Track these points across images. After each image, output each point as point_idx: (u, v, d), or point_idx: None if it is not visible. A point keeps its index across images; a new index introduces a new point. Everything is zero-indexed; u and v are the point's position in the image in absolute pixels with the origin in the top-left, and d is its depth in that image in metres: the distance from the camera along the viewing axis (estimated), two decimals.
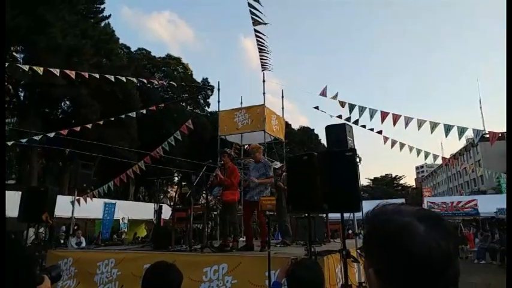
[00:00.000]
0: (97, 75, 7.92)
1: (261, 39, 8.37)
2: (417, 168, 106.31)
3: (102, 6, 28.18)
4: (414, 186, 74.39)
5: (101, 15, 28.47)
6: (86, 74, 7.64)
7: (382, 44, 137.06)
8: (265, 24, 7.92)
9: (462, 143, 54.91)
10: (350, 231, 8.70)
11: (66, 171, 27.27)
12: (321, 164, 4.17)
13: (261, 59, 9.80)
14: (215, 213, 6.68)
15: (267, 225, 5.00)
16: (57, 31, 20.45)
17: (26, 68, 7.00)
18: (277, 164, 6.94)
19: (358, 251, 4.82)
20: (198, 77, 38.75)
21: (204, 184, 6.16)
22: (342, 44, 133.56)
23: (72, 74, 7.41)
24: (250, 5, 6.77)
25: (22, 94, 26.46)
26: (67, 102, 28.02)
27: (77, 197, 12.37)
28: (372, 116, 10.08)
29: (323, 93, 9.64)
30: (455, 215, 18.83)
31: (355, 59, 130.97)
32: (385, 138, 10.83)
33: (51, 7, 20.51)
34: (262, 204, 4.50)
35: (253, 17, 7.34)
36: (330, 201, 3.95)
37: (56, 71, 7.19)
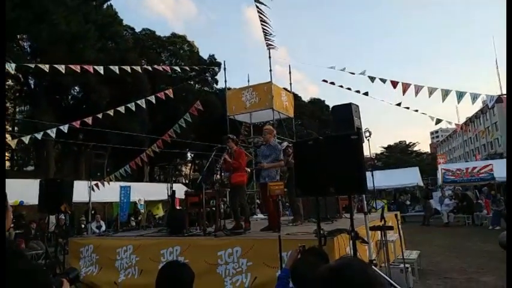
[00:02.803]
0: (101, 69, 7.89)
1: (263, 18, 8.15)
2: (432, 133, 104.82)
3: None
4: (429, 152, 73.58)
5: None
6: (91, 68, 7.62)
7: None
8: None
9: (478, 105, 53.69)
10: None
11: (82, 157, 27.95)
12: (327, 147, 4.15)
13: (265, 37, 9.60)
14: (228, 190, 6.79)
15: (276, 207, 5.08)
16: (60, 18, 20.31)
17: (31, 65, 7.00)
18: (284, 145, 6.94)
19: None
20: (204, 54, 38.34)
21: (214, 166, 6.25)
22: (352, 14, 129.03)
23: (77, 68, 7.41)
24: None
25: (32, 82, 26.77)
26: (76, 88, 28.23)
27: (94, 182, 12.80)
28: (383, 82, 9.94)
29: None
30: (471, 181, 18.64)
31: (361, 26, 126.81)
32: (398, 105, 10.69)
33: None
34: (271, 189, 4.54)
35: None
36: (337, 184, 3.96)
37: (62, 67, 7.20)
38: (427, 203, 17.27)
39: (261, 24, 8.57)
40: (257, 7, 7.24)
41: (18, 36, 24.01)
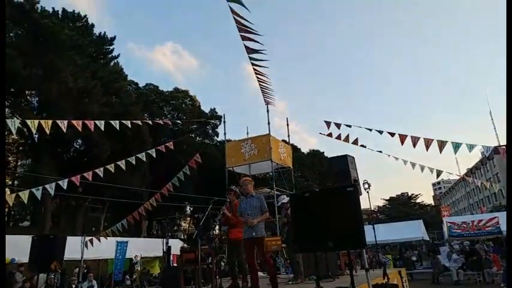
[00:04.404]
0: (102, 123, 8.04)
1: (260, 77, 8.48)
2: (434, 184, 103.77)
3: (111, 47, 29.31)
4: (433, 204, 72.36)
5: (110, 55, 29.54)
6: (92, 124, 7.77)
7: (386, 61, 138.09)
8: (265, 62, 8.04)
9: (478, 156, 53.83)
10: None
11: (79, 211, 27.50)
12: (323, 200, 4.08)
13: (263, 94, 9.92)
14: (224, 256, 6.53)
15: (273, 261, 4.86)
16: (68, 75, 21.20)
17: (35, 122, 7.14)
18: (285, 198, 6.82)
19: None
20: (205, 107, 39.44)
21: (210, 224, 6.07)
22: (348, 66, 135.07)
23: (79, 124, 7.57)
24: (247, 47, 6.85)
25: (36, 136, 27.18)
26: (79, 141, 28.59)
27: (89, 237, 12.42)
28: (380, 133, 10.07)
29: (327, 126, 9.62)
30: (478, 235, 18.10)
31: (358, 80, 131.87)
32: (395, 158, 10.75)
33: (61, 53, 21.34)
34: (267, 245, 4.37)
35: (252, 60, 7.43)
36: (335, 238, 3.84)
37: (64, 123, 7.35)
38: (435, 258, 16.61)
39: (259, 82, 8.88)
40: (253, 64, 7.54)
41: (27, 92, 24.87)
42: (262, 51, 7.15)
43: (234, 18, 5.97)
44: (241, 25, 6.13)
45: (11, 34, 21.99)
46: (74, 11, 26.53)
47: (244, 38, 6.60)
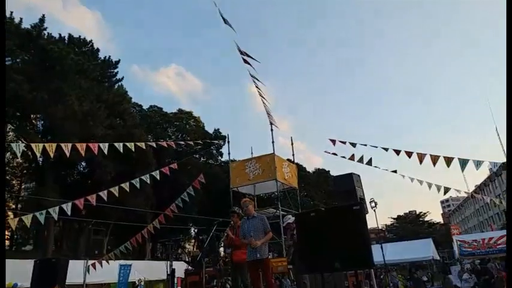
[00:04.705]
0: (106, 146, 8.05)
1: (264, 99, 8.54)
2: (442, 202, 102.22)
3: (115, 71, 29.85)
4: (442, 223, 71.09)
5: (115, 78, 30.05)
6: (96, 146, 7.79)
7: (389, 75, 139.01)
8: (263, 84, 8.12)
9: (486, 172, 53.14)
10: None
11: (82, 234, 27.26)
12: (329, 219, 3.99)
13: (267, 115, 9.97)
14: (229, 278, 6.34)
15: (279, 282, 4.71)
16: (74, 99, 21.45)
17: (39, 146, 7.15)
18: (291, 218, 6.69)
19: None
20: (209, 127, 39.50)
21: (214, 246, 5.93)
22: (351, 83, 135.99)
23: (83, 147, 7.59)
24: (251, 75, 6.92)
25: (41, 159, 27.29)
26: (83, 164, 28.64)
27: (92, 261, 12.23)
28: (385, 150, 10.00)
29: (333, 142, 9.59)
30: (489, 253, 17.64)
31: (362, 96, 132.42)
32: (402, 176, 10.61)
33: (67, 78, 21.70)
34: (273, 266, 4.25)
35: (255, 81, 7.52)
36: (342, 258, 3.72)
37: (68, 146, 7.37)
38: (446, 278, 16.16)
39: (263, 102, 8.94)
40: (256, 86, 7.60)
41: (32, 115, 25.15)
42: (258, 79, 7.24)
43: (238, 49, 6.07)
44: (240, 51, 6.22)
45: (18, 60, 22.46)
46: (80, 36, 27.20)
47: (245, 61, 6.68)
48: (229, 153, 13.34)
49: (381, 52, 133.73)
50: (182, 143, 19.99)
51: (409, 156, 9.58)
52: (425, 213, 60.18)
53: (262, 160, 11.77)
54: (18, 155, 8.20)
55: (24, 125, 24.64)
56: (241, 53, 6.22)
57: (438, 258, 21.28)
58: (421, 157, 9.36)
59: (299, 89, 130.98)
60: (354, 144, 11.00)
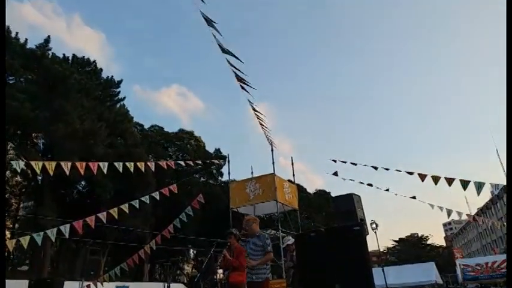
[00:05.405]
0: (105, 165, 8.03)
1: (262, 122, 8.59)
2: (445, 225, 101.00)
3: (117, 90, 30.19)
4: (444, 246, 69.96)
5: (117, 97, 30.33)
6: (95, 165, 7.77)
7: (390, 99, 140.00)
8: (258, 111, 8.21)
9: (488, 195, 52.68)
10: None
11: (79, 254, 26.81)
12: (329, 240, 3.92)
13: (266, 138, 10.00)
14: None
15: None
16: (75, 117, 21.59)
17: (39, 164, 7.13)
18: (290, 240, 6.58)
19: None
20: (210, 147, 39.52)
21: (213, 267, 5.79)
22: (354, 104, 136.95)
23: (82, 166, 7.57)
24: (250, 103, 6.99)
25: (40, 178, 27.18)
26: (82, 183, 28.52)
27: (87, 283, 11.94)
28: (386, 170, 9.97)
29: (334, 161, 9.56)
30: (493, 277, 17.28)
31: (362, 118, 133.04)
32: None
33: (69, 97, 21.91)
34: None
35: (252, 105, 7.58)
36: (342, 281, 3.63)
37: (68, 165, 7.35)
38: None
39: (261, 126, 8.97)
40: (254, 111, 7.66)
41: (33, 134, 25.24)
42: (256, 110, 7.31)
43: (236, 76, 6.15)
44: (238, 77, 6.29)
45: (21, 79, 22.74)
46: (83, 56, 27.69)
47: (242, 88, 6.76)
48: (229, 173, 13.25)
49: (382, 87, 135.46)
50: (182, 163, 19.91)
51: (411, 174, 9.57)
52: (427, 236, 59.37)
53: (262, 180, 11.68)
54: (18, 171, 8.18)
55: (25, 143, 24.70)
56: (239, 80, 6.28)
57: (441, 282, 20.80)
58: (422, 177, 9.33)
59: (301, 113, 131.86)
60: (354, 164, 10.99)
